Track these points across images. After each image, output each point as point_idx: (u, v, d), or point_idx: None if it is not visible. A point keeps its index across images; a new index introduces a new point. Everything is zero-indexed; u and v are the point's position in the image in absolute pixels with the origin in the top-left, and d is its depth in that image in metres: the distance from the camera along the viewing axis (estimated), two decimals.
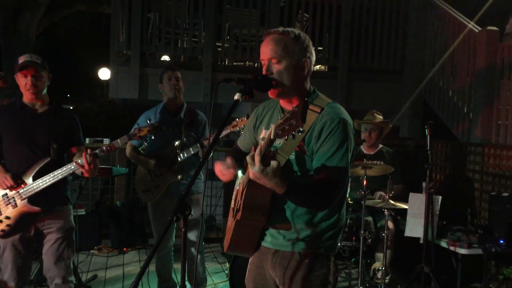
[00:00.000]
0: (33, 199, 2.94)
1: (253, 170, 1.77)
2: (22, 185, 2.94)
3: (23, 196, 2.93)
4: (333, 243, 2.09)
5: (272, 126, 1.74)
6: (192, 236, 3.74)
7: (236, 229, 2.06)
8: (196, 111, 3.91)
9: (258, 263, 2.19)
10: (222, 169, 2.20)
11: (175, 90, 3.76)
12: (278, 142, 2.02)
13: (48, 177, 2.92)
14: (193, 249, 3.76)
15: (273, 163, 1.78)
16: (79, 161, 2.91)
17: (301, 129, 1.71)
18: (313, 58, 2.08)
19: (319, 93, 2.10)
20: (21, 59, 2.98)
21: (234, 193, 2.27)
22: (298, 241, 2.04)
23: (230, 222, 2.18)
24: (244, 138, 2.38)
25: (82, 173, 2.98)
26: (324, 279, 2.07)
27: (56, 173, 2.93)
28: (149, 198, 3.79)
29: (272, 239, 2.09)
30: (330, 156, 1.93)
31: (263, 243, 2.12)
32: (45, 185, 2.92)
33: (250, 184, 1.96)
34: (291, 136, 1.71)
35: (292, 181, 1.88)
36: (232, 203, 2.26)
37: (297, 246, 2.04)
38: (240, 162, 2.23)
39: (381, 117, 4.68)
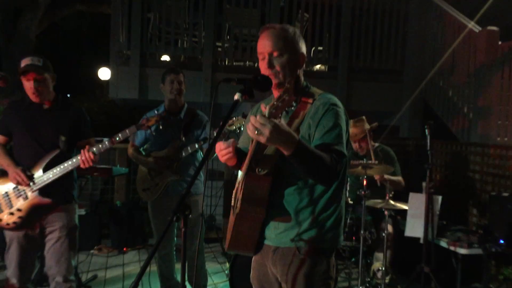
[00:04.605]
0: (41, 193, 2.97)
1: (268, 125, 1.71)
2: (33, 178, 2.96)
3: (34, 188, 2.96)
4: (333, 236, 2.07)
5: (267, 107, 1.77)
6: (191, 236, 3.74)
7: (236, 223, 2.05)
8: (197, 112, 3.93)
9: (260, 261, 2.20)
10: (221, 147, 2.07)
11: (177, 93, 3.79)
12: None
13: (58, 169, 2.96)
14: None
15: (281, 120, 1.79)
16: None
17: (294, 104, 1.74)
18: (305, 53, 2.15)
19: (311, 86, 2.15)
20: (23, 63, 2.99)
21: (234, 191, 2.28)
22: (297, 236, 2.03)
23: (230, 220, 2.18)
24: (243, 139, 2.38)
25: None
26: (325, 274, 2.06)
27: (66, 164, 2.97)
28: (148, 196, 3.81)
29: (272, 236, 2.09)
30: (327, 131, 1.95)
31: (265, 241, 2.12)
32: (55, 177, 2.95)
33: (248, 176, 1.97)
34: (285, 112, 1.74)
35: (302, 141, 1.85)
36: (232, 201, 2.26)
37: (296, 241, 2.04)
38: (240, 161, 2.21)
39: (360, 123, 4.48)
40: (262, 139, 1.74)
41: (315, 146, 1.94)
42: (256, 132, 1.74)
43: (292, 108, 1.74)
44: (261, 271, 2.21)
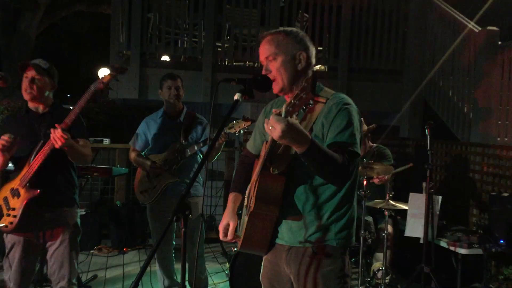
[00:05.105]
0: (39, 199, 2.90)
1: (281, 123, 1.72)
2: (25, 169, 2.90)
3: (23, 183, 2.91)
4: (346, 234, 2.07)
5: (284, 105, 1.77)
6: (191, 239, 3.74)
7: (250, 222, 2.05)
8: (196, 115, 3.94)
9: (273, 260, 2.20)
10: (223, 230, 2.26)
11: (175, 99, 3.82)
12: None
13: (39, 157, 2.86)
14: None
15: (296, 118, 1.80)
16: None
17: (311, 102, 1.74)
18: (312, 51, 2.12)
19: (323, 87, 2.13)
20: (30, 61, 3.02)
21: (247, 191, 2.28)
22: (310, 235, 2.05)
23: (244, 219, 2.18)
24: (254, 140, 2.36)
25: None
26: (340, 272, 2.07)
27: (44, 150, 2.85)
28: (146, 199, 3.81)
29: (285, 235, 2.10)
30: (340, 130, 1.96)
31: (277, 240, 2.13)
32: (38, 163, 2.85)
33: (262, 175, 1.98)
34: (302, 109, 1.74)
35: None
36: (245, 200, 2.26)
37: (310, 241, 2.05)
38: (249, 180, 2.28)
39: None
40: (275, 136, 1.76)
41: (328, 146, 1.95)
42: (270, 128, 1.76)
43: (310, 105, 1.75)
44: (273, 270, 2.21)
